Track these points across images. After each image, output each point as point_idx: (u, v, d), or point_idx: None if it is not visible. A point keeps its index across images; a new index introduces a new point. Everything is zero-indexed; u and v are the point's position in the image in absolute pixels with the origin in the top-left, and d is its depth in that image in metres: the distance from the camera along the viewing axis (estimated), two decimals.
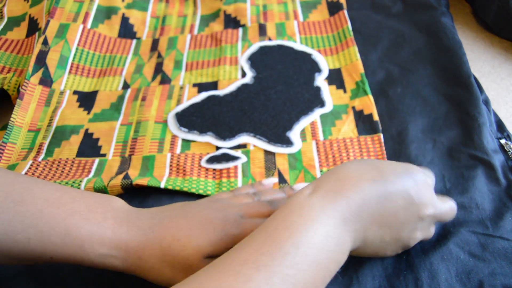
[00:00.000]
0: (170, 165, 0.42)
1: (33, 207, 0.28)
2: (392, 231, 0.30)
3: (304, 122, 0.44)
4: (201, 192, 0.39)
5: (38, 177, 0.41)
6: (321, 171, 0.41)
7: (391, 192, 0.29)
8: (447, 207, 0.33)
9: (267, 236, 0.25)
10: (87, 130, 0.45)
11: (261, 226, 0.27)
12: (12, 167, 0.42)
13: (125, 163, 0.42)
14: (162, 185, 0.39)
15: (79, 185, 0.39)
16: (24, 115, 0.46)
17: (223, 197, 0.35)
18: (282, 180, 0.40)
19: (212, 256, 0.28)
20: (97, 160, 0.43)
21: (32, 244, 0.28)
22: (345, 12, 0.54)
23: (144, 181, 0.39)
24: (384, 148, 0.41)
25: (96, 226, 0.28)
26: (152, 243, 0.29)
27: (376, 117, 0.43)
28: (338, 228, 0.26)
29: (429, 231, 0.33)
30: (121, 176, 0.40)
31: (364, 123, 0.43)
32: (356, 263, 0.34)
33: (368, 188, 0.28)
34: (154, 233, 0.29)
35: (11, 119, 0.45)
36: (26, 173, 0.41)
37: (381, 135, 0.42)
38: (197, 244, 0.29)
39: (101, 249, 0.28)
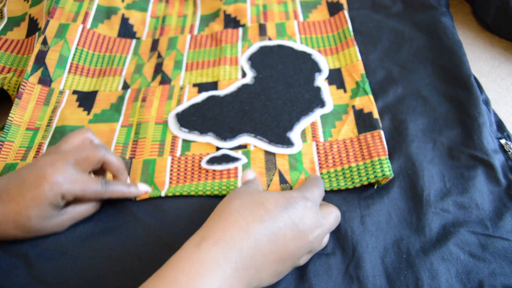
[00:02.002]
0: (171, 169, 0.42)
1: None
2: (285, 262, 0.30)
3: (304, 123, 0.44)
4: (200, 193, 0.40)
5: None
6: (321, 173, 0.41)
7: (280, 227, 0.29)
8: (332, 221, 0.33)
9: None
10: None
11: (146, 282, 0.26)
12: (12, 167, 0.42)
13: (125, 166, 0.43)
14: (163, 194, 0.40)
15: None
16: (22, 113, 0.46)
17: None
18: (283, 180, 0.40)
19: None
20: None
21: None
22: (345, 12, 0.54)
23: (146, 194, 0.40)
24: (385, 144, 0.41)
25: None
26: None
27: (376, 115, 0.43)
28: (230, 279, 0.26)
29: (321, 245, 0.34)
30: None
31: (364, 121, 0.43)
32: (356, 263, 0.34)
33: (258, 230, 0.28)
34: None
35: (9, 117, 0.45)
36: None
37: (381, 131, 0.42)
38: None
39: None
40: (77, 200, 0.36)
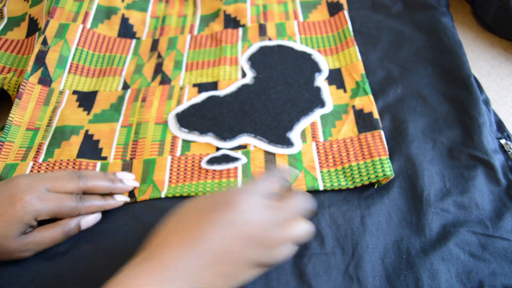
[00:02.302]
0: (171, 169, 0.42)
1: None
2: (237, 269, 0.28)
3: (304, 123, 0.44)
4: (200, 194, 0.40)
5: None
6: (321, 171, 0.41)
7: (220, 238, 0.27)
8: (294, 207, 0.31)
9: None
10: (87, 131, 0.45)
11: None
12: (12, 167, 0.42)
13: (126, 167, 0.43)
14: (163, 195, 0.40)
15: None
16: (22, 114, 0.46)
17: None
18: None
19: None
20: (99, 164, 0.43)
21: None
22: (345, 12, 0.54)
23: (146, 195, 0.40)
24: (385, 143, 0.41)
25: None
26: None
27: (376, 115, 0.43)
28: None
29: (292, 235, 0.30)
30: (126, 193, 0.41)
31: (364, 121, 0.43)
32: (356, 263, 0.34)
33: (190, 253, 0.26)
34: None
35: (9, 117, 0.45)
36: None
37: (382, 131, 0.42)
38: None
39: None
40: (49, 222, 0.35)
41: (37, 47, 0.50)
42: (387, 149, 0.41)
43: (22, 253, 0.34)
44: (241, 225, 0.28)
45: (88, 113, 0.47)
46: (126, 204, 0.40)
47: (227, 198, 0.29)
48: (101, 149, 0.44)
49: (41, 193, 0.34)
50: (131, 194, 0.41)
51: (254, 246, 0.28)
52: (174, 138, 0.44)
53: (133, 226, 0.38)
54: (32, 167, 0.42)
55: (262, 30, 0.54)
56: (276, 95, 0.46)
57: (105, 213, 0.39)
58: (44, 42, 0.50)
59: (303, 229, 0.31)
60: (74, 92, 0.49)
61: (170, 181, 0.41)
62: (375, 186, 0.39)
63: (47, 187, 0.35)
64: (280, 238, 0.29)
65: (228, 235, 0.27)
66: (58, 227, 0.35)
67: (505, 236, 0.35)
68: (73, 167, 0.42)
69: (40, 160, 0.43)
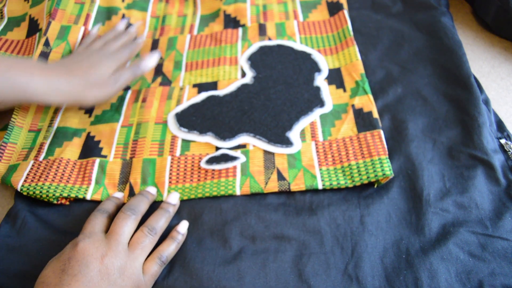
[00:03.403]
0: (170, 169, 0.42)
1: None
2: None
3: (304, 122, 0.44)
4: (199, 196, 0.40)
5: (39, 177, 0.41)
6: (320, 170, 0.41)
7: None
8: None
9: None
10: (89, 133, 0.46)
11: None
12: (13, 168, 0.42)
13: (126, 166, 0.43)
14: (164, 198, 0.40)
15: (85, 193, 0.40)
16: (24, 115, 0.46)
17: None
18: (281, 177, 0.40)
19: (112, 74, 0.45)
20: (97, 160, 0.43)
21: None
22: (345, 12, 0.54)
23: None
24: (385, 143, 0.41)
25: (40, 78, 0.40)
26: (81, 80, 0.43)
27: (375, 115, 0.43)
28: None
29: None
30: (127, 193, 0.41)
31: (363, 121, 0.43)
32: (355, 262, 0.34)
33: None
34: (77, 73, 0.43)
35: (12, 119, 0.45)
36: (28, 174, 0.41)
37: (381, 131, 0.42)
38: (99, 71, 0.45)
39: (50, 96, 0.40)
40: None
41: (39, 48, 0.50)
42: (386, 149, 0.41)
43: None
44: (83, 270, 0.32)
45: (90, 115, 0.47)
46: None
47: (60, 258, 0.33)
48: (101, 148, 0.44)
49: None
50: (131, 191, 0.41)
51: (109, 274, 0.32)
52: (174, 137, 0.44)
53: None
54: (33, 165, 0.42)
55: (262, 30, 0.54)
56: (275, 95, 0.46)
57: None
58: (46, 44, 0.50)
59: None
60: None
61: (170, 182, 0.41)
62: (375, 186, 0.39)
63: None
64: None
65: None
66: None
67: (504, 236, 0.35)
68: (73, 168, 0.42)
69: (41, 159, 0.43)
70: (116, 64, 0.46)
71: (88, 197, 0.40)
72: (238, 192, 0.40)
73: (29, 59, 0.43)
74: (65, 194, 0.40)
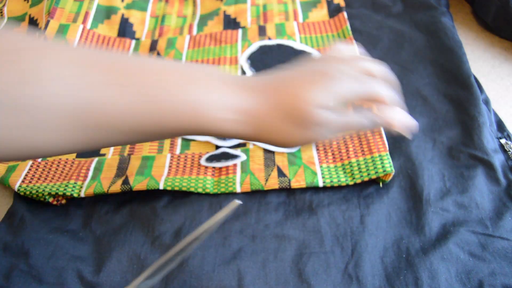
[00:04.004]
0: (170, 166, 0.42)
1: (147, 78, 0.26)
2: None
3: None
4: (200, 190, 0.40)
5: (38, 179, 0.41)
6: (321, 166, 0.41)
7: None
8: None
9: None
10: None
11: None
12: (12, 168, 0.42)
13: (123, 162, 0.42)
14: (161, 186, 0.39)
15: (80, 189, 0.40)
16: None
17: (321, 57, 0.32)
18: (281, 174, 0.40)
19: (326, 107, 0.27)
20: (96, 159, 0.43)
21: (155, 116, 0.26)
22: (345, 13, 0.54)
23: (143, 185, 0.39)
24: (385, 139, 0.41)
25: (217, 93, 0.28)
26: (269, 103, 0.28)
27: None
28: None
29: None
30: (120, 182, 0.40)
31: None
32: (355, 262, 0.34)
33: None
34: (269, 94, 0.28)
35: None
36: (26, 175, 0.41)
37: (381, 127, 0.42)
38: (309, 94, 0.27)
39: (226, 114, 0.27)
40: None
41: None
42: (387, 145, 0.40)
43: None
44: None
45: None
46: (126, 204, 0.40)
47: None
48: None
49: None
50: (125, 181, 0.40)
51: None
52: None
53: (132, 225, 0.38)
54: (31, 166, 0.42)
55: (261, 31, 0.54)
56: None
57: (106, 213, 0.39)
58: None
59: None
60: None
61: (168, 174, 0.41)
62: (380, 185, 0.39)
63: None
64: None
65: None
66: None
67: (505, 235, 0.35)
68: (71, 166, 0.42)
69: (39, 160, 0.43)
70: (352, 93, 0.28)
71: (82, 193, 0.40)
72: (238, 190, 0.40)
73: (206, 66, 0.30)
74: (60, 192, 0.39)
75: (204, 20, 0.57)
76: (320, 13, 0.56)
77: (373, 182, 0.40)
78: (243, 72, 0.50)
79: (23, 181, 0.41)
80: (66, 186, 0.40)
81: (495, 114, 0.45)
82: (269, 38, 0.53)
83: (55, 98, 0.23)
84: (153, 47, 0.54)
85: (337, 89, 0.28)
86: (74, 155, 0.43)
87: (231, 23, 0.56)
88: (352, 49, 0.34)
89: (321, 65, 0.30)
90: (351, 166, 0.40)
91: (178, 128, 0.27)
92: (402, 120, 0.30)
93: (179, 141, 0.44)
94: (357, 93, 0.29)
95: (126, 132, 0.26)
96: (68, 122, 0.24)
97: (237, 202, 0.28)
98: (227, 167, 0.41)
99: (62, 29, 0.52)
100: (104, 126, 0.26)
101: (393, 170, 0.38)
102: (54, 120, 0.24)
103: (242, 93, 0.28)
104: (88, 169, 0.42)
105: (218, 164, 0.41)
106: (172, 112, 0.26)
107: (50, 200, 0.40)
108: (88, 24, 0.54)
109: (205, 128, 0.27)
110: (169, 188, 0.39)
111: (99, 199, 0.41)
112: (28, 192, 0.40)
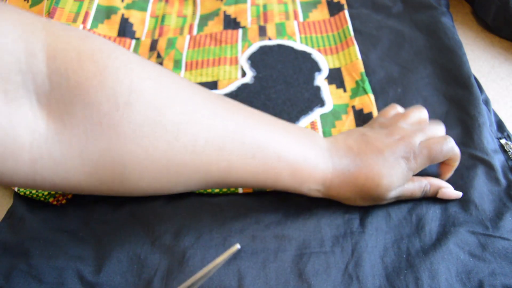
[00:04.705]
0: None
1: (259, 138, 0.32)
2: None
3: (304, 122, 0.44)
4: (201, 190, 0.40)
5: None
6: None
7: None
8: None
9: None
10: None
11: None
12: None
13: None
14: None
15: None
16: None
17: (391, 124, 0.38)
18: None
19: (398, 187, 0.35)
20: None
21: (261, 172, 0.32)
22: (346, 12, 0.54)
23: None
24: None
25: (313, 166, 0.33)
26: (349, 181, 0.34)
27: (375, 115, 0.43)
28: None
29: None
30: None
31: (364, 122, 0.43)
32: (355, 262, 0.34)
33: None
34: (350, 172, 0.34)
35: None
36: None
37: None
38: (388, 182, 0.33)
39: (313, 185, 0.34)
40: None
41: None
42: None
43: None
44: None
45: None
46: (125, 204, 0.40)
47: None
48: None
49: None
50: None
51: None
52: None
53: (132, 225, 0.38)
54: None
55: (262, 31, 0.54)
56: (275, 95, 0.46)
57: (105, 213, 0.39)
58: None
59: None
60: None
61: None
62: None
63: None
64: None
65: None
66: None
67: (505, 236, 0.35)
68: None
69: None
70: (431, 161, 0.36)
71: None
72: (240, 190, 0.40)
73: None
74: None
75: (204, 20, 0.57)
76: (321, 13, 0.56)
77: None
78: (243, 72, 0.50)
79: None
80: None
81: (495, 114, 0.45)
82: (270, 39, 0.53)
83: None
84: (153, 47, 0.54)
85: (412, 166, 0.34)
86: None
87: (231, 23, 0.56)
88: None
89: (396, 132, 0.36)
90: None
91: (275, 186, 0.34)
92: (453, 196, 0.37)
93: None
94: (434, 161, 0.35)
95: (234, 185, 0.33)
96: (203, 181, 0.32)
97: (237, 246, 0.29)
98: None
99: None
100: (224, 184, 0.32)
101: None
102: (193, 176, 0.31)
103: (330, 168, 0.34)
104: None
105: None
106: (280, 173, 0.33)
107: (50, 200, 0.40)
108: (88, 24, 0.53)
109: (288, 190, 0.35)
110: None
111: (99, 199, 0.41)
112: (28, 192, 0.40)
